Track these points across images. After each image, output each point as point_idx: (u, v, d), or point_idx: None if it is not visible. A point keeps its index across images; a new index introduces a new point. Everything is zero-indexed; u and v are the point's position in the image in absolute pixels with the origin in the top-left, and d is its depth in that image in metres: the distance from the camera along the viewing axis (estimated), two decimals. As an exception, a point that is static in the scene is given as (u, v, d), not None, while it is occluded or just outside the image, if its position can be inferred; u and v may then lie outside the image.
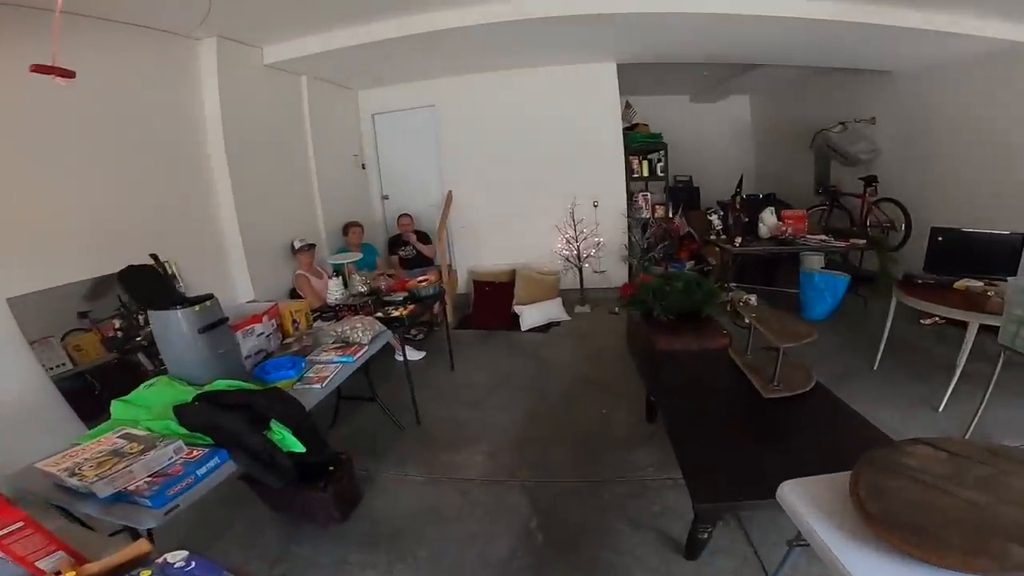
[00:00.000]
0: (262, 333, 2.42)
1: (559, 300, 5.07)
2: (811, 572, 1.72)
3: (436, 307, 3.87)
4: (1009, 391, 2.63)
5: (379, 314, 3.04)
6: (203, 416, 1.62)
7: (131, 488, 1.36)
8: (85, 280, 2.81)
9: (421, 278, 3.65)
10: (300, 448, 1.69)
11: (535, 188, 5.47)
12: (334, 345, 2.51)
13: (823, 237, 4.70)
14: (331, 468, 2.20)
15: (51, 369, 2.56)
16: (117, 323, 2.89)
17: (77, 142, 2.88)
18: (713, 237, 5.07)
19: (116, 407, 1.80)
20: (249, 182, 3.92)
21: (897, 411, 2.79)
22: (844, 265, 5.01)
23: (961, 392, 2.76)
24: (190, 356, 1.95)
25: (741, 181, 5.08)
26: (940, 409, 2.80)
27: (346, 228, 4.86)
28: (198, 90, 3.65)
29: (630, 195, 5.60)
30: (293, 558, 2.08)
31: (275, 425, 1.69)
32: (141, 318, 2.90)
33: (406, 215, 5.33)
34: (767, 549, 1.90)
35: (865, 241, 4.67)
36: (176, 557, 0.94)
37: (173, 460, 1.47)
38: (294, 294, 4.19)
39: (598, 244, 5.38)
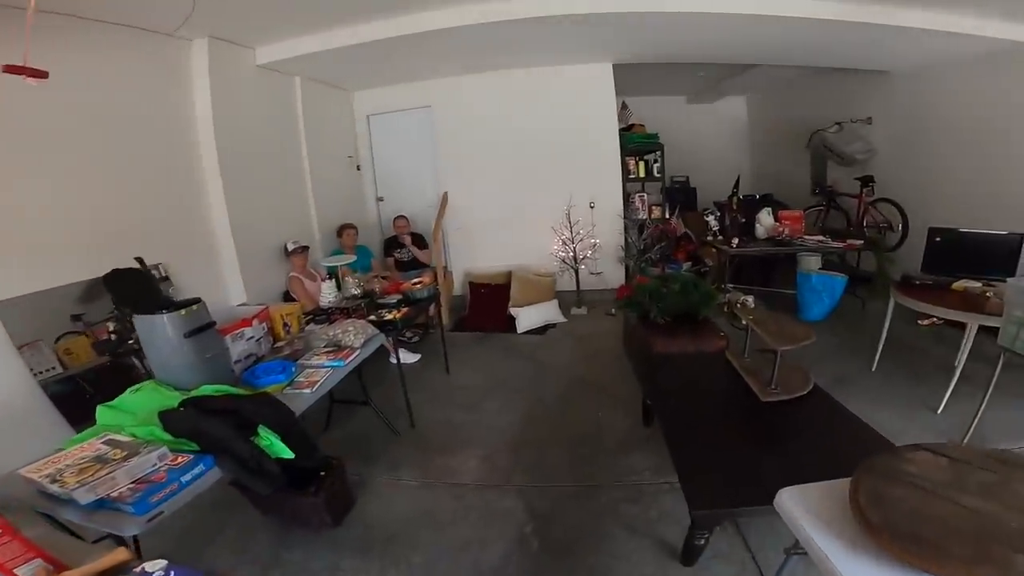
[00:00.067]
0: (252, 337, 2.39)
1: (555, 302, 5.04)
2: (809, 581, 1.70)
3: (431, 309, 3.84)
4: (1009, 392, 2.60)
5: (372, 317, 3.01)
6: (188, 422, 1.59)
7: (113, 495, 1.33)
8: (78, 283, 2.78)
9: (416, 280, 3.62)
10: (288, 454, 1.66)
11: (531, 189, 5.44)
12: (325, 349, 2.47)
13: (820, 238, 4.68)
14: (322, 473, 2.17)
15: (40, 373, 2.52)
16: (111, 326, 2.85)
17: (67, 144, 2.85)
18: (710, 238, 5.04)
19: (101, 412, 1.78)
20: (241, 184, 3.89)
21: (896, 413, 2.77)
22: (841, 266, 5.01)
23: (960, 393, 2.74)
24: (176, 361, 1.92)
25: (738, 182, 5.07)
26: (939, 411, 2.78)
27: (340, 230, 4.84)
28: (190, 91, 3.62)
29: (626, 196, 5.57)
30: (284, 563, 2.06)
31: (263, 431, 1.66)
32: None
33: (402, 217, 5.29)
34: (765, 555, 1.87)
35: (862, 241, 4.66)
36: (155, 566, 0.92)
37: (157, 467, 1.44)
38: (287, 296, 4.16)
39: (594, 245, 5.35)
